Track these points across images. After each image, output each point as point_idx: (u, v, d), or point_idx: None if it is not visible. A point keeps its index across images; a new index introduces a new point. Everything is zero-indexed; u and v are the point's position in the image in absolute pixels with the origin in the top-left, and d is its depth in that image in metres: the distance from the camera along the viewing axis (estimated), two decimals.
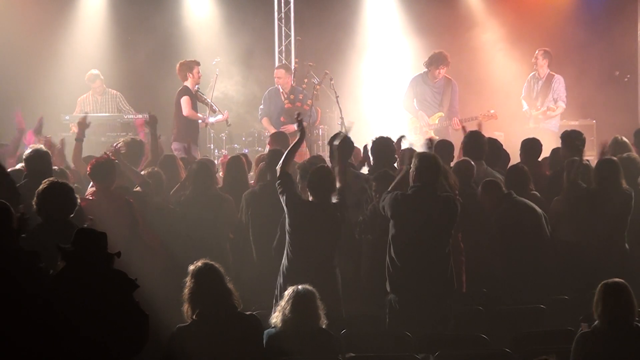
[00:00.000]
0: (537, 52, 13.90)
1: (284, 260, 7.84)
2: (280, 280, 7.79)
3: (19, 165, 8.85)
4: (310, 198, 7.88)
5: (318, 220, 7.76)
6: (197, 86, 12.76)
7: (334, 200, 7.84)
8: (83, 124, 9.97)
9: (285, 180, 7.87)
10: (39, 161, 8.26)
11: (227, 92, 13.98)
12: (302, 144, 8.29)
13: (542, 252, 8.47)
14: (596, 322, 6.26)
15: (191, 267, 6.51)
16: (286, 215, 7.87)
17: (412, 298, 7.57)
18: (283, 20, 15.41)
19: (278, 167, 7.95)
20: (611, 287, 6.25)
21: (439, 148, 9.38)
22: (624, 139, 9.96)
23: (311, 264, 7.65)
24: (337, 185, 7.90)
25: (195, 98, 12.66)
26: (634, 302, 6.26)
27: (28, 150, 8.46)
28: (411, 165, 7.71)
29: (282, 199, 7.86)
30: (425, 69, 13.48)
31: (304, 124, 8.34)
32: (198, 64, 12.69)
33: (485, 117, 12.79)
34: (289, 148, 8.13)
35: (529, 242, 8.43)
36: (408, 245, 7.59)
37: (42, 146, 8.63)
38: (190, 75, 12.61)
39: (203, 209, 8.76)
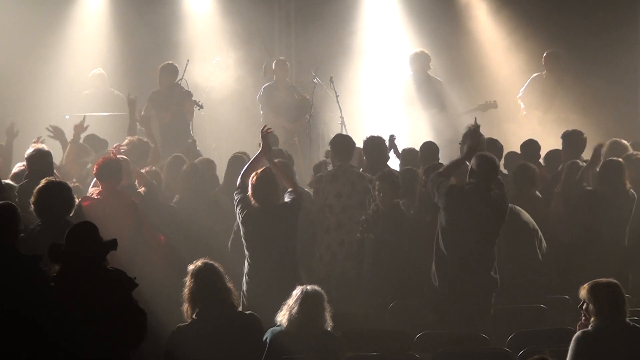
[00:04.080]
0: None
1: (245, 269, 7.97)
2: (243, 287, 7.91)
3: (20, 165, 8.86)
4: (255, 203, 7.97)
5: (267, 224, 7.89)
6: (181, 80, 12.67)
7: (287, 199, 8.03)
8: (80, 127, 9.94)
9: (242, 190, 8.05)
10: (40, 161, 8.22)
11: (226, 90, 13.96)
12: (263, 158, 8.42)
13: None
14: (593, 321, 6.22)
15: (191, 267, 6.55)
16: (240, 225, 8.02)
17: (457, 291, 7.72)
18: (283, 19, 15.41)
19: (238, 179, 8.16)
20: (603, 287, 6.23)
21: (425, 148, 9.44)
22: (623, 141, 9.91)
23: (270, 268, 7.76)
24: (290, 187, 8.15)
25: (161, 97, 12.52)
26: (625, 300, 6.25)
27: (30, 150, 8.44)
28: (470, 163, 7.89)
29: (235, 206, 8.04)
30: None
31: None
32: (163, 73, 12.60)
33: (485, 107, 12.60)
34: (249, 162, 8.36)
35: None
36: (457, 239, 7.75)
37: (44, 146, 8.62)
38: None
39: (198, 210, 8.81)
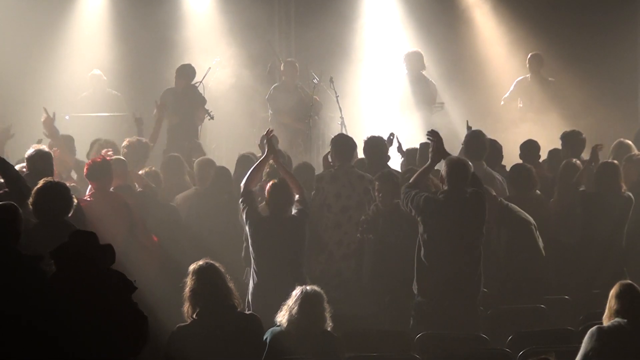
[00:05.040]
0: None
1: (251, 278, 7.95)
2: (248, 297, 7.90)
3: (21, 165, 8.85)
4: (267, 212, 8.00)
5: (277, 235, 7.89)
6: (197, 82, 12.69)
7: (294, 211, 7.99)
8: (49, 119, 9.92)
9: (247, 198, 8.02)
10: (41, 161, 8.19)
11: (226, 91, 13.97)
12: (267, 161, 8.38)
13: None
14: (615, 320, 6.24)
15: (192, 266, 6.55)
16: (247, 234, 8.00)
17: (441, 301, 7.68)
18: (283, 19, 15.40)
19: (242, 184, 8.10)
20: (623, 288, 6.30)
21: (423, 149, 9.43)
22: (627, 141, 9.92)
23: (277, 279, 7.74)
24: (296, 193, 8.08)
25: (174, 96, 12.49)
26: None
27: (30, 150, 8.43)
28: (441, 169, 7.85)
29: (244, 217, 8.00)
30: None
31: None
32: (179, 74, 12.60)
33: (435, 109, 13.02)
34: (254, 166, 8.26)
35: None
36: (439, 248, 7.70)
37: (44, 146, 8.62)
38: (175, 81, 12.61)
39: (206, 209, 8.81)
